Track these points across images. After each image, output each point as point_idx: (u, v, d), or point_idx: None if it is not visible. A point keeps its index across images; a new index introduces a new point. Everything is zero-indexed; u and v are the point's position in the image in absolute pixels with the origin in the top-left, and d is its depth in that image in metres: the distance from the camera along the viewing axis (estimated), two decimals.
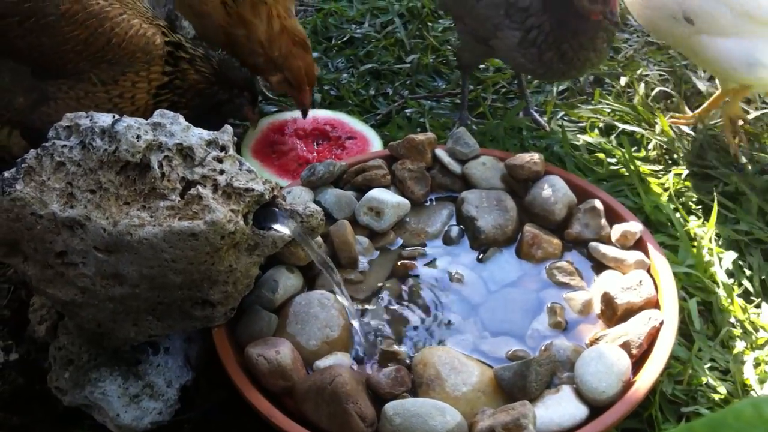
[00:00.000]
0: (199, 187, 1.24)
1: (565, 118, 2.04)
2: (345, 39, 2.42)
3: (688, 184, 1.82)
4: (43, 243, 1.23)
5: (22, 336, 1.51)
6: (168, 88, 1.71)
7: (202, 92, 1.77)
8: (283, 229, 1.32)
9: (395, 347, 1.38)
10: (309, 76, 1.89)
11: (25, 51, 1.57)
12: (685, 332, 1.50)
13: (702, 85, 2.12)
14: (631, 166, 1.84)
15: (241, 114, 1.90)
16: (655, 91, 2.11)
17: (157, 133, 1.27)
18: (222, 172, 1.28)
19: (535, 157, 1.63)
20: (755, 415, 0.42)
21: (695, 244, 1.65)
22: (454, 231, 1.61)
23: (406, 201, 1.62)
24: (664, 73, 2.18)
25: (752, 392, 1.43)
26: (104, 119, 1.28)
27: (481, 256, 1.56)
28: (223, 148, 1.31)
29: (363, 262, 1.55)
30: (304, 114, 1.94)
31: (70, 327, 1.39)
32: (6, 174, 1.24)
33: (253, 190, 1.28)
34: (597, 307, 1.43)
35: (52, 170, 1.24)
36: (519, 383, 1.26)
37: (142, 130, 1.25)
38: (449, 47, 2.36)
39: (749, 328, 1.51)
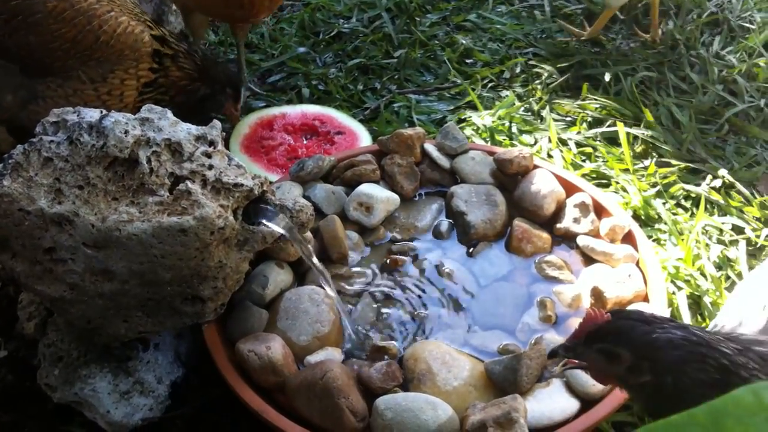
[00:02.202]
0: (188, 182, 1.23)
1: (553, 113, 2.04)
2: (333, 34, 2.42)
3: (676, 177, 1.82)
4: (32, 239, 1.22)
5: (11, 333, 1.50)
6: (152, 86, 1.70)
7: (184, 89, 1.76)
8: (272, 224, 1.32)
9: (386, 342, 1.38)
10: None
11: (13, 49, 1.56)
12: None
13: None
14: (618, 161, 1.84)
15: (223, 110, 1.89)
16: (640, 75, 2.12)
17: (145, 129, 1.26)
18: (211, 167, 1.27)
19: (524, 151, 1.63)
20: (755, 402, 0.42)
21: (683, 237, 1.66)
22: (444, 225, 1.61)
23: (395, 196, 1.62)
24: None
25: None
26: (92, 114, 1.27)
27: (470, 251, 1.57)
28: (211, 143, 1.31)
29: (353, 257, 1.55)
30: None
31: (60, 324, 1.38)
32: None
33: (242, 185, 1.27)
34: (586, 301, 1.43)
35: (39, 166, 1.23)
36: (510, 377, 1.26)
37: (130, 125, 1.24)
38: (437, 42, 2.36)
39: None
